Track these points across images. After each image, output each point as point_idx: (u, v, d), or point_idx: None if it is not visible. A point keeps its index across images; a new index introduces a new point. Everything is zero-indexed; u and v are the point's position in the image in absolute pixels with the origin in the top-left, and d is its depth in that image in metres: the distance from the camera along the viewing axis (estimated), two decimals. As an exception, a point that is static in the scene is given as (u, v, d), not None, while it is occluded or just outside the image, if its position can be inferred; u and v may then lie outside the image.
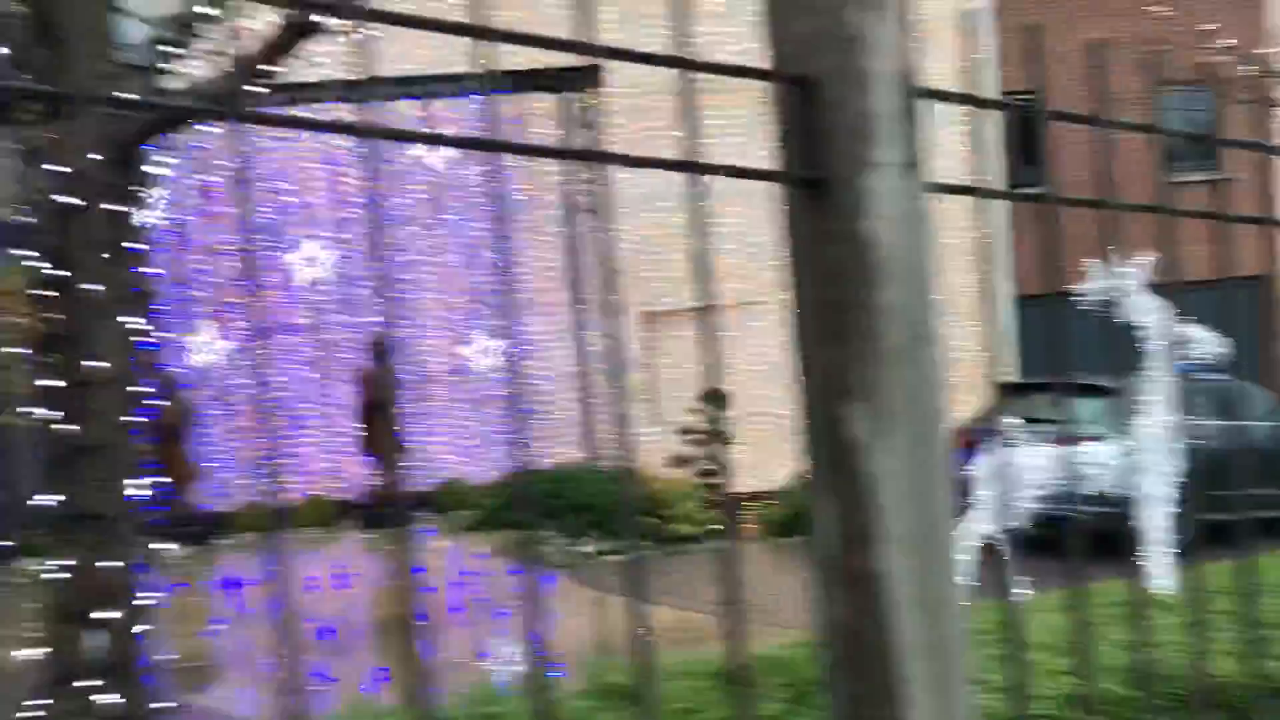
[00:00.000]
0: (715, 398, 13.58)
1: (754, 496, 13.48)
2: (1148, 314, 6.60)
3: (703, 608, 7.96)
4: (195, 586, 9.30)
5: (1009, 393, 10.87)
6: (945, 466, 1.17)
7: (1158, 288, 6.66)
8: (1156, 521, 6.73)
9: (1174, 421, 6.80)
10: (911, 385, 1.14)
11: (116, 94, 3.43)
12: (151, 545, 4.35)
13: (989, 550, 7.33)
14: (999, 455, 7.34)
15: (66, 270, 3.93)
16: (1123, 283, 6.38)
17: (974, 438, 8.51)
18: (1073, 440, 7.73)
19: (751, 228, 14.42)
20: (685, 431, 13.27)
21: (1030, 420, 10.13)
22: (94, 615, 3.85)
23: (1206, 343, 6.91)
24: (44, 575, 4.15)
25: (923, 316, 1.15)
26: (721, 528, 11.78)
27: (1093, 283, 6.49)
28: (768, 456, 13.88)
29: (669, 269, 14.25)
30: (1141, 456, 6.73)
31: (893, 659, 1.12)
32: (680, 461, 13.16)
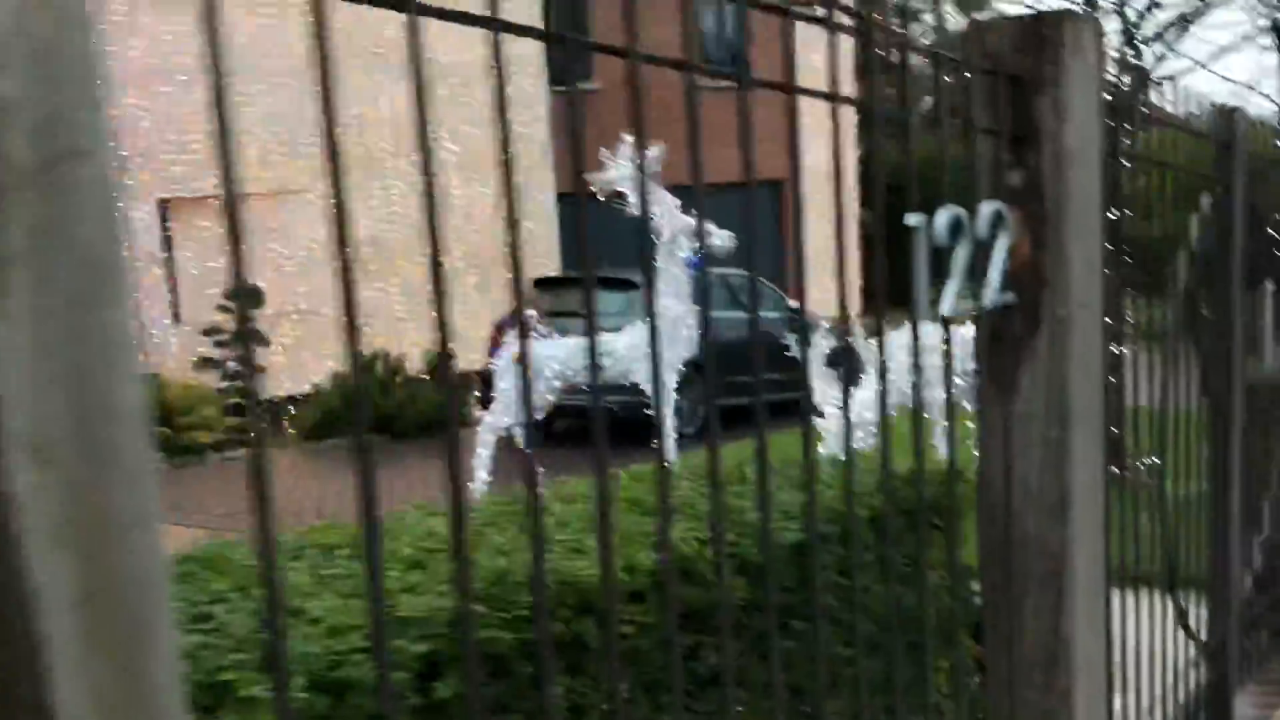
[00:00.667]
0: (245, 295, 12.65)
1: (289, 401, 12.81)
2: (657, 207, 6.73)
3: (209, 522, 7.38)
4: None
5: (540, 287, 11.00)
6: (128, 346, 0.84)
7: (677, 186, 6.81)
8: (665, 408, 6.99)
9: (682, 312, 7.04)
10: (43, 224, 0.79)
11: None
12: None
13: (508, 442, 7.33)
14: (520, 348, 7.33)
15: None
16: (634, 174, 6.44)
17: (502, 332, 8.47)
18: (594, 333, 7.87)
19: (286, 110, 13.47)
20: (210, 331, 12.27)
21: (554, 314, 10.30)
22: None
23: (714, 237, 7.20)
24: None
25: (75, 121, 0.79)
26: (244, 435, 11.05)
27: (605, 174, 6.51)
28: (305, 357, 13.22)
29: (191, 151, 12.99)
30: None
31: (29, 615, 0.79)
32: (206, 364, 12.18)
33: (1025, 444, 2.17)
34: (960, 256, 1.86)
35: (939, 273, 1.94)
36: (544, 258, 14.74)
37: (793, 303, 12.74)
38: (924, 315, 1.81)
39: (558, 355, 7.27)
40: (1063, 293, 2.13)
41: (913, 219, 1.76)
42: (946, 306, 1.82)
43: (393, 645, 1.21)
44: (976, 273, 1.92)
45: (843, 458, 3.86)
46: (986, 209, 1.92)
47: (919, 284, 1.78)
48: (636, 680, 1.57)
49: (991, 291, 1.92)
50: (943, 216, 1.78)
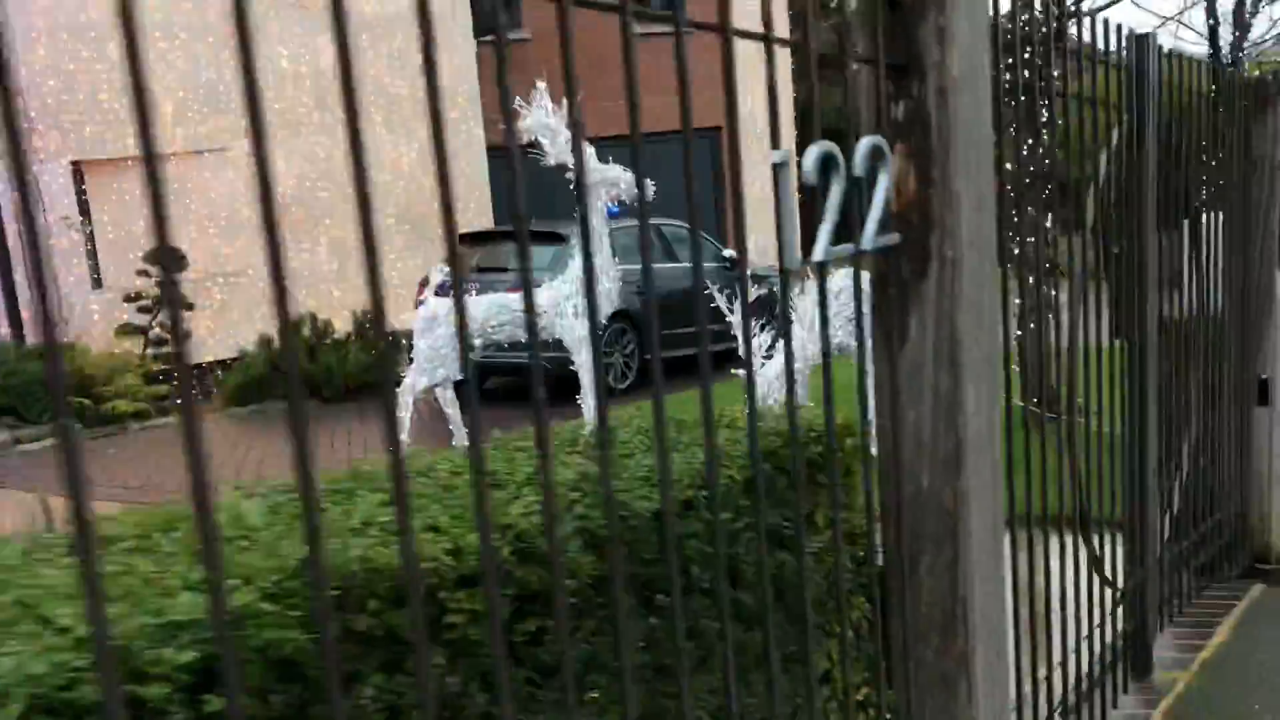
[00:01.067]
0: (167, 257, 12.24)
1: (216, 365, 12.50)
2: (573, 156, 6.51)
3: (123, 495, 7.15)
4: None
5: (468, 242, 10.76)
6: None
7: (605, 137, 6.60)
8: (589, 363, 6.84)
9: (606, 264, 6.86)
10: None
11: None
12: None
13: (429, 401, 7.16)
14: (438, 305, 7.13)
15: None
16: (550, 122, 6.23)
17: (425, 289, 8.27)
18: (516, 287, 7.70)
19: (203, 64, 13.00)
20: (132, 298, 11.89)
21: (483, 269, 10.10)
22: None
23: (632, 186, 7.01)
24: None
25: None
26: (167, 403, 10.77)
27: (520, 124, 6.29)
28: (231, 321, 12.88)
29: (104, 112, 12.52)
30: (574, 300, 6.78)
31: None
32: (128, 331, 11.82)
33: (915, 394, 2.04)
34: (833, 196, 1.71)
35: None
36: (475, 213, 14.45)
37: (728, 251, 12.60)
38: (792, 262, 1.67)
39: (476, 314, 7.08)
40: (951, 232, 2.00)
41: (776, 156, 1.61)
42: (819, 251, 1.68)
43: (154, 654, 1.06)
44: (858, 213, 1.78)
45: (770, 408, 3.72)
46: (865, 144, 1.78)
47: (788, 227, 1.64)
48: (471, 672, 1.43)
49: (871, 233, 1.78)
50: (812, 153, 1.64)
